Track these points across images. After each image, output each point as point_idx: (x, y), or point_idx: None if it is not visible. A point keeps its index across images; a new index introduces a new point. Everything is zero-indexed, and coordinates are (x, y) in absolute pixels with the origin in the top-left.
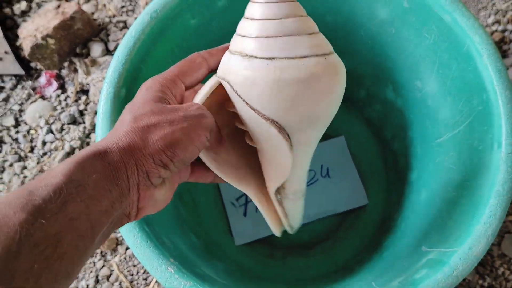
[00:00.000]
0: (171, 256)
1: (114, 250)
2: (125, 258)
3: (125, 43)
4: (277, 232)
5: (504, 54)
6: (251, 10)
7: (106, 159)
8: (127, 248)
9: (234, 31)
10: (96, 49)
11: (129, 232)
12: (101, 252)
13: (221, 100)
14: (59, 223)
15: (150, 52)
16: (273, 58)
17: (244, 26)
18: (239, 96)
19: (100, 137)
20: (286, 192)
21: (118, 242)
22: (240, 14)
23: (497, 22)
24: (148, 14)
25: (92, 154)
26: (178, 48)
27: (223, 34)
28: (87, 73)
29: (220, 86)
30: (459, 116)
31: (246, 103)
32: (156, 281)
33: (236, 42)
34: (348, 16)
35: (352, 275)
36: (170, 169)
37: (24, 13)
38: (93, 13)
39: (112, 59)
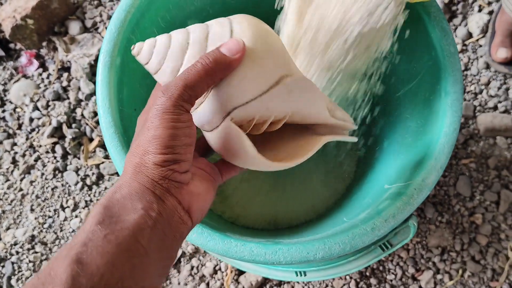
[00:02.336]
0: None
1: None
2: None
3: (117, 16)
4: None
5: (453, 14)
6: None
7: (121, 192)
8: None
9: (210, 2)
10: (74, 27)
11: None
12: None
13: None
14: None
15: (139, 23)
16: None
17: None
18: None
19: (101, 101)
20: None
21: None
22: None
23: None
24: None
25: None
26: (162, 20)
27: (201, 6)
28: (67, 50)
29: None
30: (413, 71)
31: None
32: None
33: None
34: None
35: (327, 219)
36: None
37: None
38: None
39: (106, 31)
